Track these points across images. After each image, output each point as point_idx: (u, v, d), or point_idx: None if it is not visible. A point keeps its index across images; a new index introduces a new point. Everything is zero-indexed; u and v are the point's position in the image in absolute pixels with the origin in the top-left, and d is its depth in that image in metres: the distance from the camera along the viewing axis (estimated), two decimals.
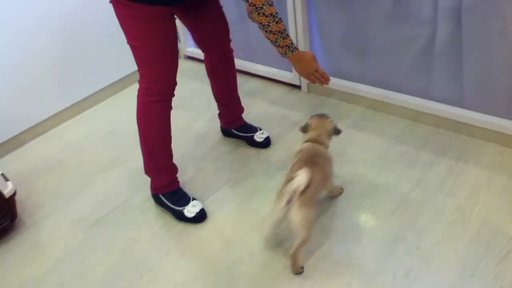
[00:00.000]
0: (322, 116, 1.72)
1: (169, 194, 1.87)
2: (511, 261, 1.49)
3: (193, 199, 1.86)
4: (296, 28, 2.31)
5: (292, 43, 1.64)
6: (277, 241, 1.68)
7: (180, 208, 1.83)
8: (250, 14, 1.86)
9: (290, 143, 2.16)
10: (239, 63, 2.11)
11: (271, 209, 1.58)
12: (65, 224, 1.95)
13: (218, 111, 2.20)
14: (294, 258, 1.54)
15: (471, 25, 1.82)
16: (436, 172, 1.87)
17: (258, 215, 1.83)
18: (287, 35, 1.62)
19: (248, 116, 2.27)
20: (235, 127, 2.20)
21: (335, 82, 2.12)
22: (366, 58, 2.24)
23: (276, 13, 1.56)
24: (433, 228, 1.64)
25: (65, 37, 2.51)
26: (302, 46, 2.32)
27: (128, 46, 1.65)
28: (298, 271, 1.56)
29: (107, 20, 1.68)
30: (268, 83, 2.66)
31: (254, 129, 2.19)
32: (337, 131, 1.71)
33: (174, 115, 1.79)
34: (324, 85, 1.77)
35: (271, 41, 1.62)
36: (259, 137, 2.16)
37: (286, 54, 1.66)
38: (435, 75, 2.05)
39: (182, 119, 2.40)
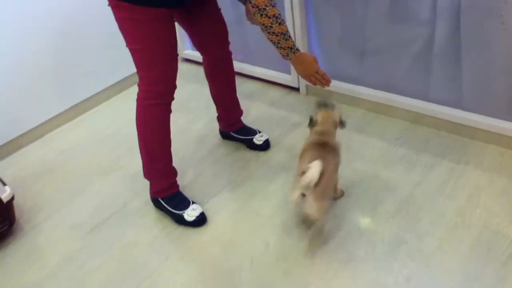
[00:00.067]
0: (327, 109, 1.71)
1: (168, 197, 1.86)
2: None
3: (193, 202, 1.85)
4: (295, 30, 2.30)
5: (294, 45, 1.63)
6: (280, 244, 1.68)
7: (179, 212, 1.82)
8: (249, 16, 1.86)
9: (289, 145, 2.16)
10: (237, 65, 2.10)
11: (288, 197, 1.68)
12: (63, 228, 1.93)
13: (216, 114, 2.19)
14: (318, 234, 1.66)
15: (469, 25, 1.82)
16: (436, 175, 1.87)
17: (258, 218, 1.82)
18: (289, 36, 1.61)
19: (247, 118, 2.26)
20: (234, 129, 2.19)
21: (334, 84, 2.11)
22: (365, 60, 2.24)
23: (279, 14, 1.55)
24: (434, 231, 1.63)
25: (65, 37, 2.50)
26: (300, 48, 2.28)
27: (126, 48, 1.64)
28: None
29: (107, 20, 1.67)
30: (266, 85, 2.65)
31: (253, 132, 2.18)
32: (342, 123, 1.71)
33: (173, 118, 1.78)
34: (325, 86, 1.77)
35: (273, 43, 1.61)
36: (258, 139, 2.15)
37: (288, 55, 1.65)
38: (434, 77, 2.04)
39: (181, 122, 2.39)
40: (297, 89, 2.54)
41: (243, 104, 2.20)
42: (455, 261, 1.52)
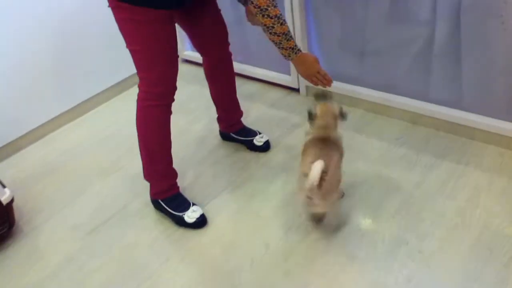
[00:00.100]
0: (326, 102, 1.69)
1: (168, 199, 1.86)
2: None
3: (193, 204, 1.85)
4: (294, 31, 2.30)
5: (295, 45, 1.63)
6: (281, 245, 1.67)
7: (180, 214, 1.82)
8: (249, 17, 1.86)
9: (289, 146, 2.16)
10: (236, 66, 2.10)
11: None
12: (63, 230, 1.93)
13: (216, 115, 2.19)
14: (333, 222, 1.72)
15: (470, 25, 1.82)
16: (436, 175, 1.87)
17: (259, 219, 1.81)
18: (291, 36, 1.60)
19: (247, 119, 2.26)
20: (234, 131, 2.19)
21: (333, 85, 2.11)
22: (365, 60, 2.24)
23: (281, 14, 1.55)
24: (435, 231, 1.63)
25: (65, 37, 2.49)
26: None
27: (126, 49, 1.64)
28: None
29: (107, 20, 1.67)
30: (266, 86, 2.65)
31: (254, 133, 2.18)
32: (343, 115, 1.69)
33: (172, 119, 1.78)
34: (327, 87, 1.76)
35: (275, 43, 1.61)
36: (258, 141, 2.15)
37: (289, 56, 1.64)
38: (434, 77, 2.04)
39: (180, 123, 2.39)
40: (297, 90, 2.54)
41: (243, 105, 2.20)
42: (455, 262, 1.52)
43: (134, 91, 1.73)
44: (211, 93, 2.10)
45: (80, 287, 1.67)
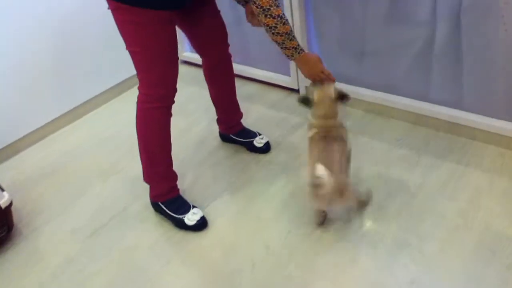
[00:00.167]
0: (322, 86, 1.63)
1: (168, 201, 1.85)
2: None
3: (193, 206, 1.84)
4: (294, 31, 2.28)
5: (298, 45, 1.62)
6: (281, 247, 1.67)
7: (180, 216, 1.81)
8: (249, 17, 1.85)
9: (290, 147, 2.15)
10: (236, 68, 2.09)
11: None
12: (63, 232, 1.92)
13: (216, 116, 2.18)
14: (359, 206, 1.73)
15: (470, 26, 1.81)
16: (437, 175, 1.86)
17: (259, 221, 1.81)
18: (294, 36, 1.59)
19: (247, 120, 2.26)
20: (234, 132, 2.19)
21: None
22: (364, 61, 2.23)
23: (283, 14, 1.54)
24: (436, 233, 1.63)
25: (65, 37, 2.49)
26: None
27: (126, 50, 1.63)
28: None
29: (107, 21, 1.66)
30: (265, 87, 2.65)
31: (253, 134, 2.17)
32: (343, 97, 1.61)
33: (172, 120, 1.77)
34: None
35: (278, 44, 1.60)
36: (258, 142, 2.14)
37: (292, 56, 1.63)
38: (434, 77, 2.04)
39: (180, 124, 2.38)
40: (297, 91, 2.53)
41: (243, 106, 2.19)
42: (456, 263, 1.52)
43: (133, 93, 1.72)
44: (210, 95, 2.09)
45: None
